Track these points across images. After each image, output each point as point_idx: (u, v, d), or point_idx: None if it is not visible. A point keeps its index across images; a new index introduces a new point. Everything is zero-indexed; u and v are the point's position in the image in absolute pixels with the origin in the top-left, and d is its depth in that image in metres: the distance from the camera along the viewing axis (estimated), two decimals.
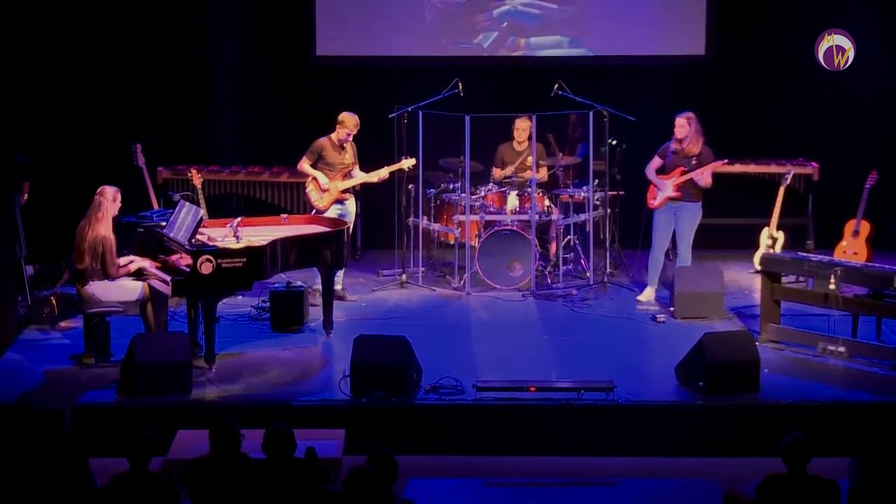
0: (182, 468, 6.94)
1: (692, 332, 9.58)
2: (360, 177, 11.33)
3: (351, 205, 11.39)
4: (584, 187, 11.91)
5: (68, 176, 12.60)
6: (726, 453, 8.62)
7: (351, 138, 11.15)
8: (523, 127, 12.12)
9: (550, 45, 13.38)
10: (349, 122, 11.09)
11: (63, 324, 10.56)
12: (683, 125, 11.01)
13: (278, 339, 10.27)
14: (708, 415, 8.80)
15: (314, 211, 11.12)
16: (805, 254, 10.71)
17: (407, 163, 11.51)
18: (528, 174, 11.89)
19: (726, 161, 11.36)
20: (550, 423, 8.75)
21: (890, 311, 9.64)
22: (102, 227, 9.56)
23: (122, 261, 9.63)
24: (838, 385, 9.23)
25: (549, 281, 11.80)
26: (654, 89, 13.10)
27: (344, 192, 11.24)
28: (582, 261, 12.13)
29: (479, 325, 10.80)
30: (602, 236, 12.16)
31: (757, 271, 11.35)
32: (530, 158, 11.90)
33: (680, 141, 11.04)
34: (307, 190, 11.25)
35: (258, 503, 6.47)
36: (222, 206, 12.36)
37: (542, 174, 12.08)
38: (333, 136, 11.17)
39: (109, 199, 9.68)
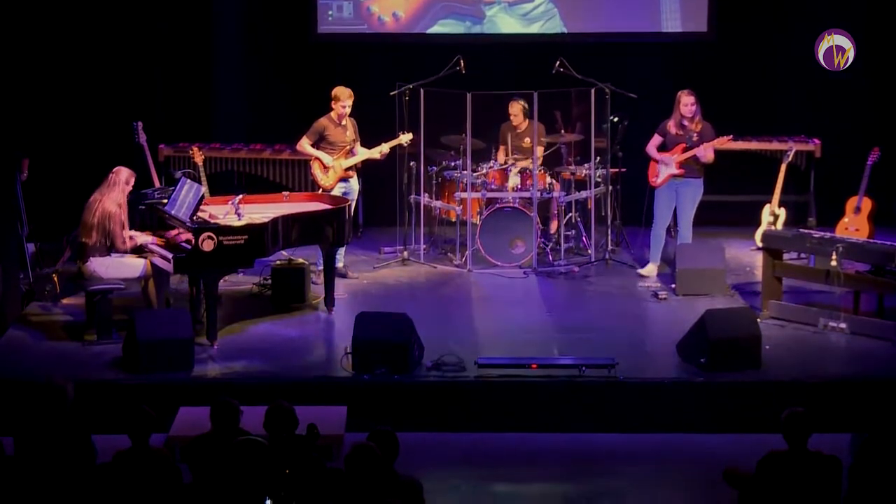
0: (184, 445, 6.96)
1: (694, 309, 9.58)
2: (362, 153, 11.31)
3: (354, 182, 11.40)
4: (586, 164, 11.90)
5: (70, 154, 12.58)
6: (728, 429, 8.63)
7: (348, 111, 11.11)
8: (515, 112, 12.11)
9: (552, 21, 13.32)
10: (342, 94, 11.05)
11: (65, 301, 10.57)
12: (694, 103, 10.95)
13: (280, 317, 10.27)
14: (709, 391, 8.81)
15: (320, 190, 11.11)
16: (807, 230, 10.70)
17: (405, 137, 11.51)
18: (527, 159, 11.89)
19: (731, 137, 11.31)
20: (552, 401, 8.77)
21: (891, 288, 9.63)
22: (111, 204, 9.59)
23: (127, 234, 9.66)
24: (839, 361, 9.26)
25: (550, 258, 11.79)
26: (656, 67, 13.07)
27: (348, 169, 11.24)
28: (583, 238, 12.12)
29: (480, 302, 10.80)
30: (604, 213, 12.14)
31: (758, 248, 11.32)
32: (528, 140, 11.89)
33: (689, 118, 10.99)
34: (312, 170, 11.23)
35: (260, 480, 6.48)
36: (224, 183, 12.34)
37: (540, 153, 12.03)
38: (332, 114, 11.15)
39: (123, 181, 9.73)
